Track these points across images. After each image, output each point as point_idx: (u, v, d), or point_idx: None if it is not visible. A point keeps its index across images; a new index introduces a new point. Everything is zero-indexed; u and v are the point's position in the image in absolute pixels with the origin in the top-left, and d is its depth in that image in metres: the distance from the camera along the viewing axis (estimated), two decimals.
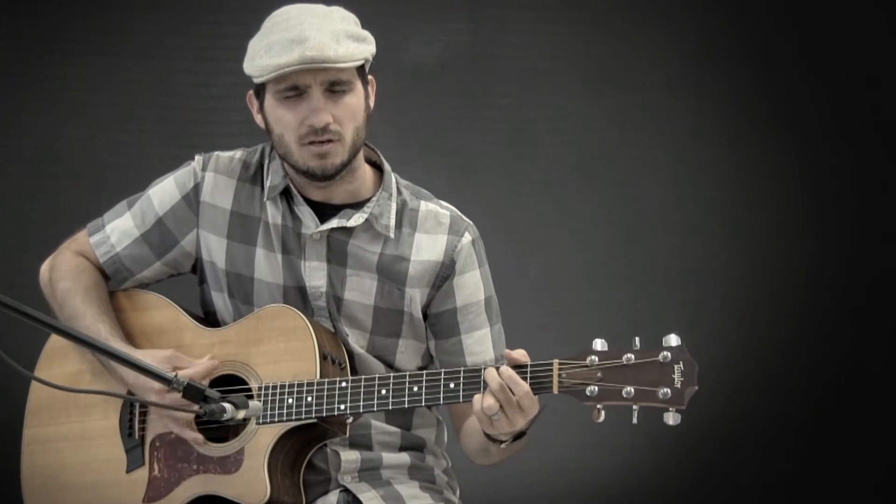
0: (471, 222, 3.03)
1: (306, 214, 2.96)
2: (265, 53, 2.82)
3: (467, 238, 3.00)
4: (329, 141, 2.85)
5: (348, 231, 2.96)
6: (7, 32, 4.64)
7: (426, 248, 2.98)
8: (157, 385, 2.84)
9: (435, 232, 2.99)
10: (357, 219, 2.95)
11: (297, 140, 2.86)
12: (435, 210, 3.01)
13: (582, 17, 4.85)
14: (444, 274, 2.98)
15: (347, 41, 2.84)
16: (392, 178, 3.02)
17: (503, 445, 2.80)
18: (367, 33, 2.90)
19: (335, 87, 2.85)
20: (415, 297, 2.98)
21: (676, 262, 4.86)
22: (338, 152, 2.87)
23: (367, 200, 2.97)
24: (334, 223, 2.95)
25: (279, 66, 2.80)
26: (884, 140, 4.81)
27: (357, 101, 2.88)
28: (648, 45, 4.84)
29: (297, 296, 2.97)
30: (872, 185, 4.83)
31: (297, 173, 2.93)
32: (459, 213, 3.04)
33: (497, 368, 2.69)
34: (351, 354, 2.96)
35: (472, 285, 3.00)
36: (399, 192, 3.01)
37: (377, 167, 3.03)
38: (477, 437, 2.85)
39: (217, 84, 4.62)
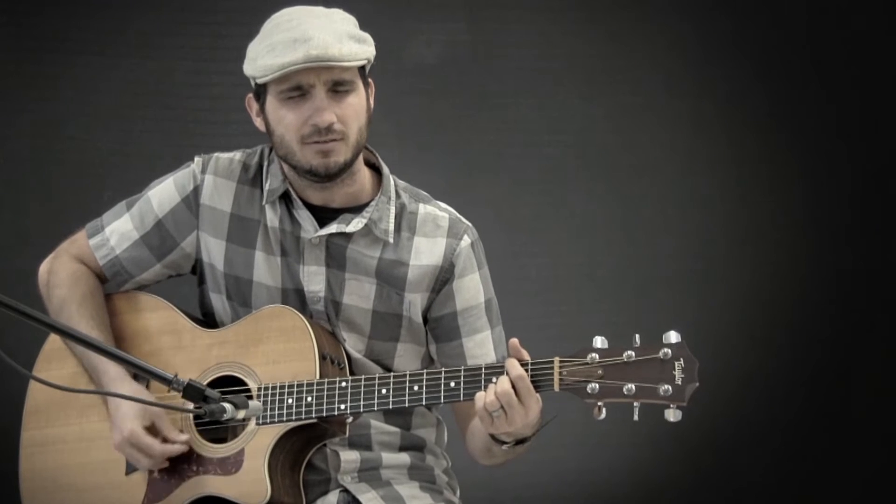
0: (470, 224, 3.02)
1: (305, 219, 2.96)
2: (268, 53, 2.82)
3: (466, 241, 2.99)
4: (333, 140, 2.85)
5: (347, 236, 2.95)
6: (7, 32, 4.64)
7: (425, 252, 2.97)
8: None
9: (434, 235, 2.98)
10: (356, 223, 2.94)
11: (300, 140, 2.86)
12: (434, 213, 3.01)
13: (582, 17, 4.85)
14: (444, 278, 2.98)
15: (350, 41, 2.84)
16: (391, 181, 3.01)
17: (505, 447, 2.80)
18: (367, 35, 2.90)
19: (338, 87, 2.85)
20: (414, 302, 2.97)
21: (676, 262, 4.86)
22: (341, 151, 2.87)
23: (366, 205, 2.97)
24: (333, 228, 2.94)
25: (283, 66, 2.80)
26: (884, 140, 4.81)
27: (360, 102, 2.88)
28: (648, 45, 4.84)
29: (296, 299, 2.96)
30: (872, 185, 4.83)
31: (299, 175, 2.93)
32: (459, 215, 3.03)
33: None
34: (349, 359, 2.96)
35: (472, 288, 3.00)
36: (398, 196, 3.00)
37: (376, 170, 3.03)
38: (481, 438, 2.84)
39: (217, 84, 4.62)
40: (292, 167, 2.92)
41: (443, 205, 3.04)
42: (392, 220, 2.97)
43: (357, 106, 2.88)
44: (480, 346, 3.00)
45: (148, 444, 2.87)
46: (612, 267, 4.86)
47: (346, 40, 2.83)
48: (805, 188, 4.85)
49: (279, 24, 2.86)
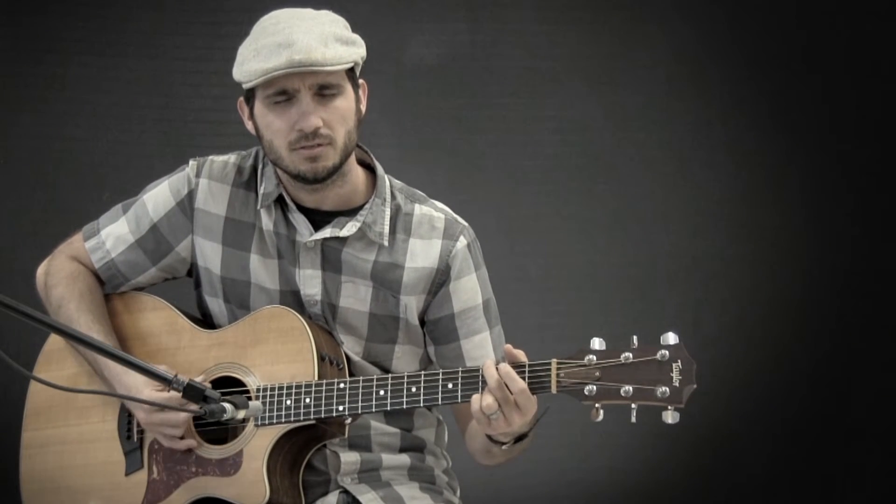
0: (466, 225, 3.01)
1: (300, 222, 2.95)
2: (253, 58, 2.80)
3: (462, 242, 2.98)
4: (319, 145, 2.84)
5: (342, 239, 2.94)
6: (7, 32, 4.64)
7: (421, 255, 2.96)
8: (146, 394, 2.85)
9: (429, 237, 2.97)
10: (350, 227, 2.93)
11: (288, 146, 2.84)
12: (429, 214, 2.99)
13: (582, 17, 4.85)
14: (440, 280, 2.96)
15: (335, 44, 2.81)
16: (386, 181, 3.00)
17: (504, 447, 2.79)
18: (356, 37, 2.88)
19: (324, 91, 2.83)
20: (410, 305, 2.96)
21: (676, 262, 4.86)
22: (329, 155, 2.85)
23: (360, 207, 2.96)
24: (327, 232, 2.93)
25: (266, 71, 2.78)
26: (883, 139, 4.81)
27: (347, 105, 2.86)
28: (648, 45, 4.84)
29: (294, 301, 2.96)
30: (872, 184, 4.83)
31: (289, 178, 2.92)
32: (455, 215, 3.01)
33: (496, 365, 2.68)
34: (347, 361, 2.95)
35: (469, 290, 2.98)
36: (393, 197, 2.99)
37: (370, 169, 3.02)
38: (480, 438, 2.83)
39: (217, 84, 4.62)
40: (283, 171, 2.92)
41: (439, 205, 3.03)
42: (387, 222, 2.96)
43: (344, 109, 2.86)
44: (479, 347, 2.99)
45: (169, 398, 2.84)
46: (611, 267, 4.86)
47: (331, 43, 2.81)
48: (805, 188, 4.85)
49: (265, 28, 2.83)
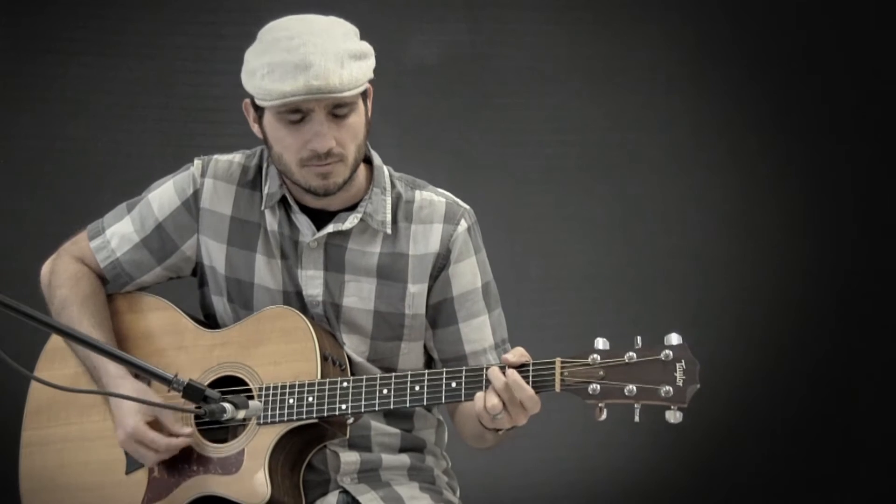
0: (467, 207, 3.00)
1: (303, 223, 2.95)
2: (267, 76, 2.76)
3: (463, 226, 2.97)
4: (330, 163, 2.83)
5: (345, 235, 2.94)
6: (7, 32, 4.64)
7: (422, 241, 2.95)
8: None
9: (430, 221, 2.96)
10: (352, 220, 2.92)
11: (299, 162, 2.83)
12: (430, 198, 2.98)
13: (582, 17, 4.85)
14: (440, 264, 2.96)
15: (351, 63, 2.77)
16: (384, 171, 2.99)
17: (500, 433, 2.80)
18: (367, 46, 2.84)
19: (338, 111, 2.80)
20: (417, 294, 2.96)
21: (676, 262, 4.86)
22: (340, 172, 2.85)
23: (361, 201, 2.95)
24: (330, 228, 2.92)
25: (284, 94, 2.74)
26: (883, 139, 4.81)
27: (359, 120, 2.84)
28: (648, 45, 4.84)
29: (298, 302, 2.95)
30: (872, 184, 4.83)
31: (297, 187, 2.92)
32: (456, 199, 3.00)
33: (502, 369, 2.68)
34: (350, 363, 2.94)
35: (469, 273, 2.98)
36: (393, 185, 2.98)
37: (368, 161, 2.99)
38: (472, 423, 2.82)
39: (217, 84, 4.62)
40: (293, 183, 2.91)
41: (441, 190, 3.02)
42: (388, 210, 2.95)
43: (356, 125, 2.84)
44: (477, 330, 2.99)
45: (152, 438, 2.86)
46: (612, 267, 4.86)
47: (347, 62, 2.77)
48: (805, 188, 4.85)
49: (278, 41, 2.78)
